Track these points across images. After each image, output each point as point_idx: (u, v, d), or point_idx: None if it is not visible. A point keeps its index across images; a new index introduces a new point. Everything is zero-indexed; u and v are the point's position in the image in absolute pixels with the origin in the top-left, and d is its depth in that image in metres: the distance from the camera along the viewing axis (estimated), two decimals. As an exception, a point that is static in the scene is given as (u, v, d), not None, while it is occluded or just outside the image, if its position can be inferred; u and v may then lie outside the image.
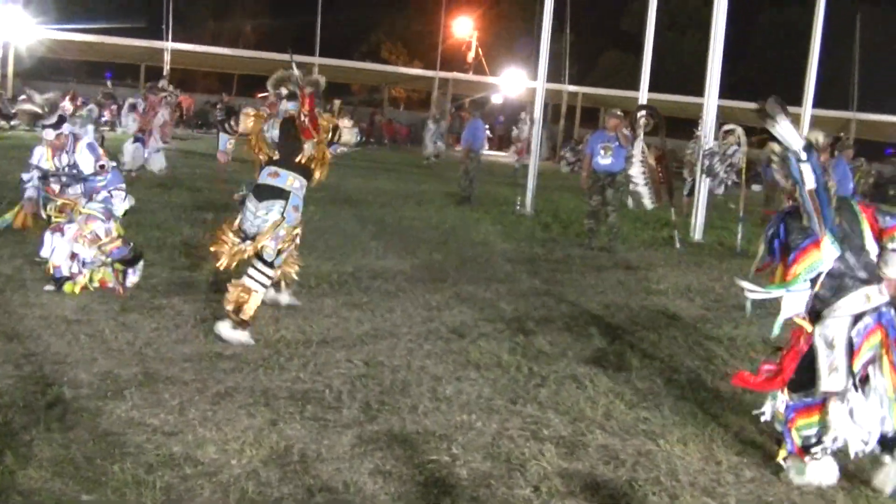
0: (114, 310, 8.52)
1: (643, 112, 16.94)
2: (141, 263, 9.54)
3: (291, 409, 6.43)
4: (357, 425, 6.25)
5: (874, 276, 5.89)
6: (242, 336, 7.91)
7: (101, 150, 9.44)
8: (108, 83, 44.99)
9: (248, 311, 8.00)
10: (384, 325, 8.99)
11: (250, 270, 8.19)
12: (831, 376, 5.83)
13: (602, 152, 15.24)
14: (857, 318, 5.85)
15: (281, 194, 8.24)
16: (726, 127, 18.14)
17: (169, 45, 44.30)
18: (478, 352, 8.34)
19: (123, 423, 5.91)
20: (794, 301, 5.88)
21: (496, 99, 58.36)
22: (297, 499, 5.06)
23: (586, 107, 56.68)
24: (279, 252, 8.29)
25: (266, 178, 8.33)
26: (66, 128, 9.17)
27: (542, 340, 8.96)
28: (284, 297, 9.32)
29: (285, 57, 34.82)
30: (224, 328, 7.93)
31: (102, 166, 9.23)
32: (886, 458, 5.97)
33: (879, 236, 5.94)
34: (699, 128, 17.99)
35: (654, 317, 10.41)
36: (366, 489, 5.27)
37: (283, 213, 8.20)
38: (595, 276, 12.74)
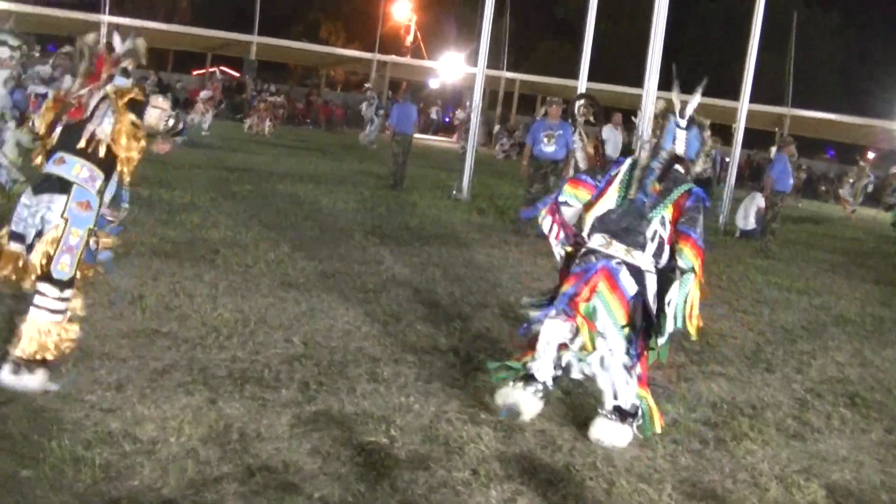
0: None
1: (582, 101, 17.05)
2: None
3: (230, 387, 6.39)
4: (296, 405, 6.24)
5: (627, 236, 6.32)
6: (36, 380, 5.95)
7: None
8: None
9: (50, 346, 6.04)
10: (321, 306, 8.95)
11: (38, 299, 6.06)
12: None
13: (545, 140, 15.42)
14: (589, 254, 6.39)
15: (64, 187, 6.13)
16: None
17: (106, 18, 43.68)
18: (414, 335, 8.36)
19: (60, 398, 5.82)
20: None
21: (434, 84, 58.41)
22: (236, 478, 5.03)
23: (523, 94, 56.90)
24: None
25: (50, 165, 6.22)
26: None
27: (479, 325, 9.01)
28: None
29: (222, 34, 34.40)
30: (5, 374, 5.97)
31: None
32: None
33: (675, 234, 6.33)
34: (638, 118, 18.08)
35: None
36: (305, 469, 5.26)
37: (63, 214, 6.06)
38: (531, 262, 12.81)
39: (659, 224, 6.27)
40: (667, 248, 6.31)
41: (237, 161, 22.34)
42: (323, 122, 50.67)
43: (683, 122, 6.38)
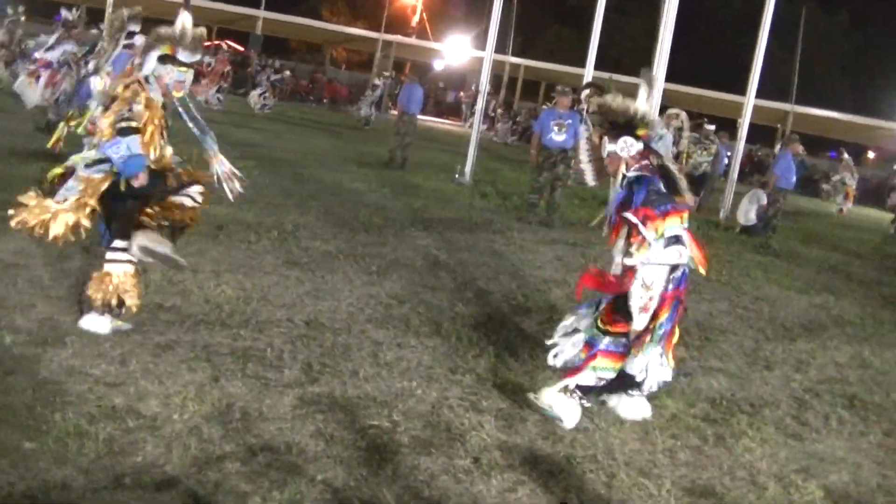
0: (52, 255, 8.36)
1: (588, 90, 16.99)
2: None
3: (233, 366, 6.40)
4: (298, 386, 6.25)
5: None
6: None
7: None
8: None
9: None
10: (324, 286, 8.96)
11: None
12: (640, 316, 6.32)
13: (556, 129, 15.41)
14: (673, 269, 6.38)
15: None
16: (671, 111, 18.34)
17: (113, -13, 43.46)
18: (417, 319, 8.36)
19: (64, 371, 5.83)
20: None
21: (438, 66, 58.33)
22: (239, 457, 5.04)
23: (527, 79, 56.85)
24: None
25: None
26: None
27: (481, 311, 9.01)
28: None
29: (229, 7, 34.13)
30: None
31: None
32: (634, 393, 6.69)
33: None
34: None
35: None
36: (308, 451, 5.27)
37: None
38: (533, 250, 12.81)
39: None
40: None
41: (241, 136, 22.25)
42: (327, 101, 50.63)
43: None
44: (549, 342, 6.95)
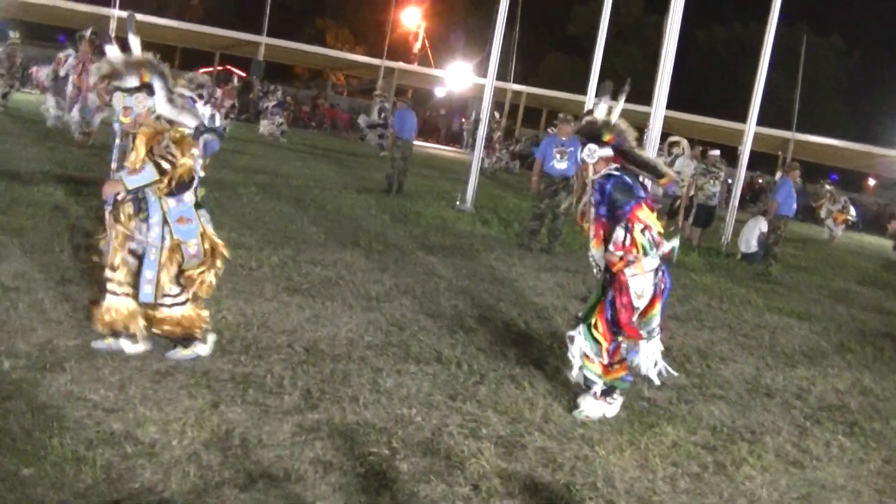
0: (53, 279, 8.38)
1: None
2: None
3: (233, 392, 6.39)
4: (298, 413, 6.24)
5: None
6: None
7: None
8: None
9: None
10: (324, 313, 8.94)
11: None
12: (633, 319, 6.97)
13: (558, 156, 15.42)
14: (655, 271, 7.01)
15: None
16: (672, 138, 18.35)
17: (116, 12, 43.62)
18: (417, 346, 8.34)
19: (62, 396, 5.82)
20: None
21: (440, 93, 58.51)
22: (238, 484, 5.03)
23: (529, 106, 56.95)
24: None
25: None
26: None
27: (482, 338, 8.99)
28: None
29: (232, 33, 34.16)
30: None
31: None
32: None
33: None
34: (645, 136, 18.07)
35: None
36: (307, 478, 5.26)
37: None
38: (535, 277, 12.80)
39: None
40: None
41: (243, 162, 22.26)
42: (328, 126, 50.71)
43: None
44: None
